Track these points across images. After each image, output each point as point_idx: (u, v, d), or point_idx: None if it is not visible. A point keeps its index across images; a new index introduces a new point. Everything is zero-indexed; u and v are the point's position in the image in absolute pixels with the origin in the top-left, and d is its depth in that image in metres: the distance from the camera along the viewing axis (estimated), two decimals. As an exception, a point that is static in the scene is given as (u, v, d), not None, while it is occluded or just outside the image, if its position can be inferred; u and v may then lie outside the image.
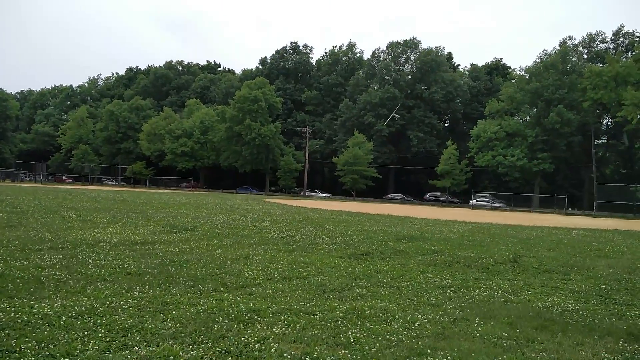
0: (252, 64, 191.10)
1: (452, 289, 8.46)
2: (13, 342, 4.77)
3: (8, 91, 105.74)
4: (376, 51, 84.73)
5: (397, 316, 6.50)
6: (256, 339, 5.30)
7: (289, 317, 6.15)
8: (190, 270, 8.83)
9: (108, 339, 5.05)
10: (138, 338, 5.14)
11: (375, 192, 72.85)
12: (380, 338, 5.55)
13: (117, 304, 6.35)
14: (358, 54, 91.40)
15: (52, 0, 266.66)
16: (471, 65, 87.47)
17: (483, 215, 37.57)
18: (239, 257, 10.54)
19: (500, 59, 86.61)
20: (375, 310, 6.72)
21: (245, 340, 5.24)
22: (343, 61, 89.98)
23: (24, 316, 5.58)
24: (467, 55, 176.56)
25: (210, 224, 16.60)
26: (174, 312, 6.11)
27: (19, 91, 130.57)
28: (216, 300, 6.83)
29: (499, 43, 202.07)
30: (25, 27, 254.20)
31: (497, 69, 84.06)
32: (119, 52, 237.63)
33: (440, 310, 6.97)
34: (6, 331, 5.08)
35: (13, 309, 5.83)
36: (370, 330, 5.85)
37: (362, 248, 12.59)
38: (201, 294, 7.16)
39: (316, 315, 6.37)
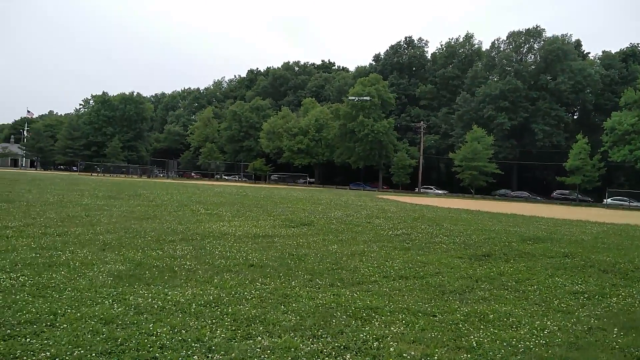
0: (366, 61, 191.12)
1: (586, 296, 7.81)
2: (150, 326, 5.18)
3: (144, 95, 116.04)
4: (496, 41, 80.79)
5: (523, 322, 6.13)
6: (374, 336, 5.28)
7: (407, 317, 6.06)
8: (308, 264, 9.03)
9: (234, 328, 5.31)
10: (261, 328, 5.35)
11: (496, 189, 69.53)
12: (505, 344, 5.27)
13: (242, 294, 6.66)
14: (476, 45, 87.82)
15: (183, 13, 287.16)
16: (603, 52, 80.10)
17: (620, 215, 34.39)
18: (355, 253, 10.58)
19: (637, 44, 78.51)
20: (499, 314, 6.40)
21: (364, 337, 5.24)
22: (460, 53, 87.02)
23: (159, 302, 6.04)
24: (599, 41, 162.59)
25: (326, 220, 16.88)
26: (294, 305, 6.28)
27: (154, 94, 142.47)
28: (333, 295, 6.91)
29: (635, 27, 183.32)
30: (159, 38, 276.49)
31: (633, 56, 76.22)
32: (241, 56, 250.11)
33: (573, 318, 6.46)
34: (144, 315, 5.53)
35: (150, 295, 6.35)
36: (494, 335, 5.57)
37: (483, 249, 12.05)
38: (319, 288, 7.28)
39: (435, 316, 6.20)
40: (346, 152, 77.23)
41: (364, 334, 5.34)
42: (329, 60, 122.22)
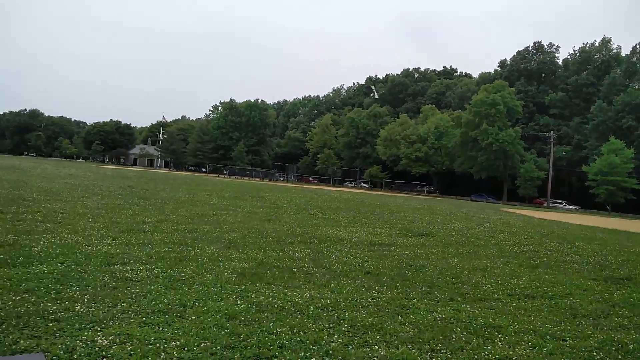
0: (490, 67, 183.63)
1: None
2: (271, 324, 5.31)
3: (268, 102, 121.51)
4: (637, 46, 73.71)
5: (671, 356, 5.43)
6: (497, 356, 4.96)
7: (534, 339, 5.63)
8: (426, 276, 8.78)
9: (350, 334, 5.28)
10: (378, 337, 5.26)
11: (637, 206, 62.96)
12: (650, 379, 4.70)
13: (358, 301, 6.62)
14: (614, 50, 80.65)
15: (309, 27, 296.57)
16: None
17: None
18: (476, 267, 10.12)
19: None
20: (640, 345, 5.74)
21: (486, 356, 4.95)
22: (595, 59, 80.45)
23: (279, 302, 6.19)
24: None
25: (445, 231, 16.38)
26: (411, 317, 6.12)
27: (276, 102, 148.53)
28: (453, 310, 6.63)
29: None
30: (283, 49, 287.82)
31: None
32: (361, 63, 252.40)
33: None
34: (265, 314, 5.69)
35: (270, 294, 6.53)
36: (636, 367, 4.99)
37: (622, 271, 10.94)
38: (438, 302, 7.03)
39: (565, 341, 5.70)
40: (468, 162, 74.65)
41: (486, 352, 5.04)
42: (450, 67, 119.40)
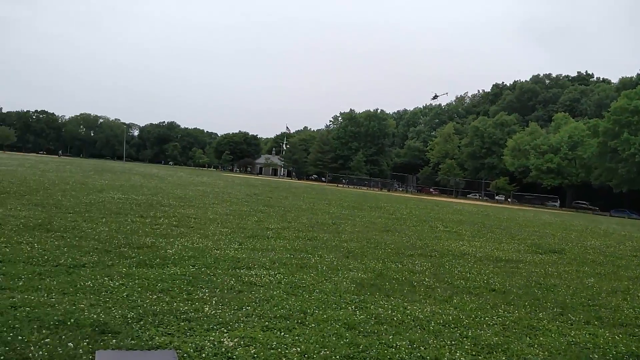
0: (632, 71, 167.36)
1: None
2: (390, 337, 5.21)
3: (387, 111, 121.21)
4: None
5: None
6: (644, 391, 4.42)
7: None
8: (558, 296, 8.12)
9: (474, 353, 5.01)
10: (504, 358, 4.94)
11: None
12: None
13: (482, 319, 6.29)
14: None
15: (430, 30, 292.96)
16: None
17: None
18: (616, 290, 9.17)
19: None
20: None
21: (630, 390, 4.43)
22: None
23: (398, 315, 6.06)
24: None
25: (580, 248, 15.11)
26: (541, 339, 5.68)
27: (396, 111, 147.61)
28: (589, 334, 6.05)
29: None
30: (403, 56, 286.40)
31: None
32: (487, 70, 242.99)
33: None
34: (384, 326, 5.60)
35: (390, 306, 6.42)
36: None
37: None
38: (571, 324, 6.47)
39: None
40: (606, 174, 68.52)
41: (631, 386, 4.51)
42: (585, 72, 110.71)
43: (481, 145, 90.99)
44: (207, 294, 6.13)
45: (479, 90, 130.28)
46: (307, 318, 5.61)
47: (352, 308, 6.19)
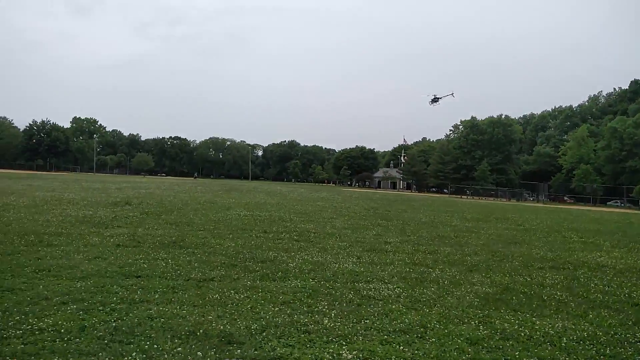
0: None
1: None
2: (516, 353, 4.91)
3: (512, 116, 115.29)
4: None
5: None
6: None
7: None
8: None
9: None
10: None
11: None
12: None
13: (623, 336, 5.72)
14: None
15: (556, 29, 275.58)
16: None
17: None
18: None
19: None
20: None
21: None
22: None
23: (526, 330, 5.71)
24: None
25: None
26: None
27: (522, 116, 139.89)
28: None
29: None
30: (524, 59, 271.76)
31: None
32: (622, 65, 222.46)
33: None
34: (510, 342, 5.30)
35: (516, 322, 6.07)
36: None
37: None
38: None
39: None
40: None
41: None
42: None
43: (620, 148, 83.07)
44: (326, 307, 6.22)
45: (615, 88, 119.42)
46: (428, 332, 5.48)
47: (475, 323, 5.94)
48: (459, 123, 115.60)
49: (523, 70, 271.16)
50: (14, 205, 16.38)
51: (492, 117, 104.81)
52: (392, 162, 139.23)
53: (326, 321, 5.64)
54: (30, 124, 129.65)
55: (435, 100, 59.88)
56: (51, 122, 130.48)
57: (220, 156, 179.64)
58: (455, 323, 5.90)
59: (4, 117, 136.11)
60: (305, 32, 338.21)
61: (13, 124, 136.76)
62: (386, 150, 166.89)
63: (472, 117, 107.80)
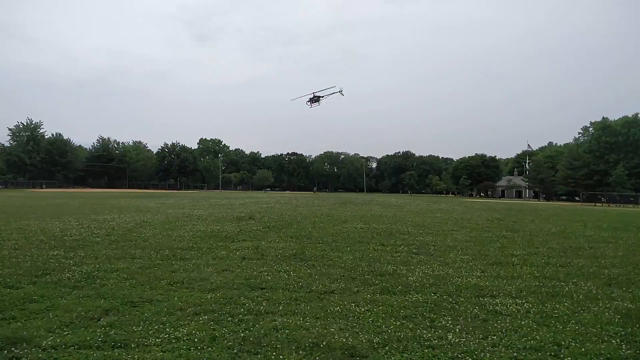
0: None
1: None
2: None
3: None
4: None
5: None
6: None
7: None
8: None
9: None
10: None
11: None
12: None
13: None
14: None
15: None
16: None
17: None
18: None
19: None
20: None
21: None
22: None
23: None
24: None
25: None
26: None
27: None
28: None
29: None
30: None
31: None
32: None
33: None
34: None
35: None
36: None
37: None
38: None
39: None
40: None
41: None
42: None
43: None
44: (450, 322, 6.05)
45: None
46: (562, 351, 5.13)
47: (617, 341, 5.45)
48: (589, 125, 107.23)
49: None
50: (150, 222, 17.95)
51: (627, 116, 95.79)
52: (515, 169, 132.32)
53: (450, 336, 5.48)
54: (162, 147, 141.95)
55: (314, 100, 43.79)
56: (180, 144, 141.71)
57: (335, 170, 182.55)
58: (593, 341, 5.45)
59: (139, 142, 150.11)
60: (420, 39, 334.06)
61: (147, 147, 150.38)
62: (509, 157, 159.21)
63: (603, 117, 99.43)
